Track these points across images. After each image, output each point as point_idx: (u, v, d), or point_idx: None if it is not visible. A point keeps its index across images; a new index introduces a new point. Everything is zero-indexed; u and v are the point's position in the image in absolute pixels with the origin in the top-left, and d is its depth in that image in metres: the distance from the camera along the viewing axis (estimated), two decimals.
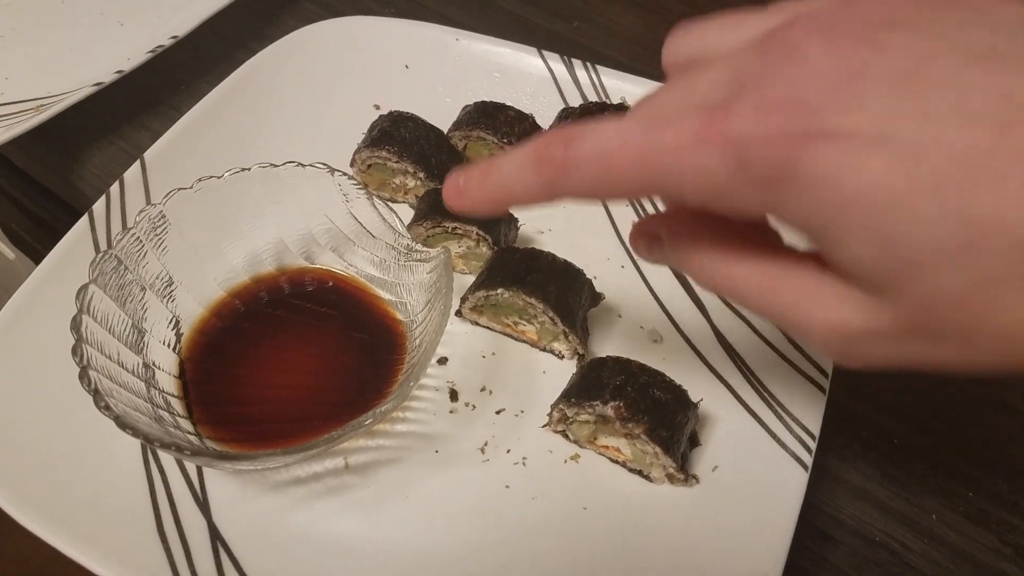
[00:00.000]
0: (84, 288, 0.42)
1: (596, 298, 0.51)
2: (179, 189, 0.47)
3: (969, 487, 0.46)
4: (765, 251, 0.30)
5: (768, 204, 0.27)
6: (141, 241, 0.46)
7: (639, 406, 0.43)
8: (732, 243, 0.31)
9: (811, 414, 0.45)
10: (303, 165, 0.48)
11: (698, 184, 0.27)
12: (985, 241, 0.23)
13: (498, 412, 0.47)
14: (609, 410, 0.43)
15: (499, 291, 0.48)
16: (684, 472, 0.43)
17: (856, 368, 0.29)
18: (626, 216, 0.57)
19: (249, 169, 0.48)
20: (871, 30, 0.25)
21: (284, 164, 0.48)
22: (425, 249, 0.47)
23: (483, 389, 0.48)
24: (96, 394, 0.38)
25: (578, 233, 0.56)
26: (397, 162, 0.54)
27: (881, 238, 0.25)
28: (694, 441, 0.45)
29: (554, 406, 0.45)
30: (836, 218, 0.25)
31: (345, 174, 0.48)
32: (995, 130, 0.23)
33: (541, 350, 0.50)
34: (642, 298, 0.53)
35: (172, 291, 0.48)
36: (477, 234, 0.51)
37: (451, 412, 0.47)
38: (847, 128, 0.24)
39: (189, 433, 0.43)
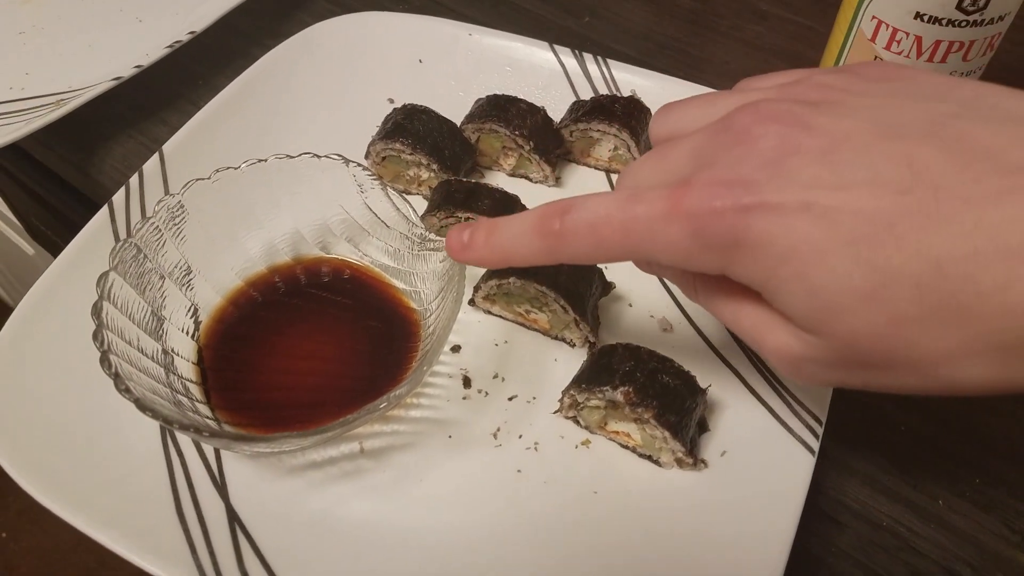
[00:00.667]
0: (105, 275, 0.43)
1: (606, 287, 0.51)
2: (197, 180, 0.48)
3: (976, 474, 0.47)
4: (733, 288, 0.35)
5: (723, 265, 0.33)
6: (160, 230, 0.47)
7: (648, 391, 0.43)
8: (709, 280, 0.37)
9: (818, 400, 0.45)
10: (319, 156, 0.49)
11: (668, 252, 0.33)
12: (889, 286, 0.28)
13: (510, 398, 0.48)
14: (619, 395, 0.44)
15: (511, 280, 0.48)
16: (693, 456, 0.44)
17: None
18: None
19: (266, 160, 0.49)
20: (804, 114, 0.31)
21: (300, 155, 0.49)
22: (438, 238, 0.48)
23: (496, 376, 0.49)
24: (116, 377, 0.39)
25: None
26: (411, 154, 0.55)
27: (807, 287, 0.30)
28: (703, 427, 0.46)
29: (565, 392, 0.46)
30: (773, 273, 0.31)
31: (360, 165, 0.49)
32: (896, 194, 0.28)
33: (552, 338, 0.51)
34: (651, 288, 0.53)
35: (190, 279, 0.48)
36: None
37: (464, 398, 0.48)
38: (779, 199, 0.30)
39: (207, 418, 0.44)
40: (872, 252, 0.28)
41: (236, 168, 0.48)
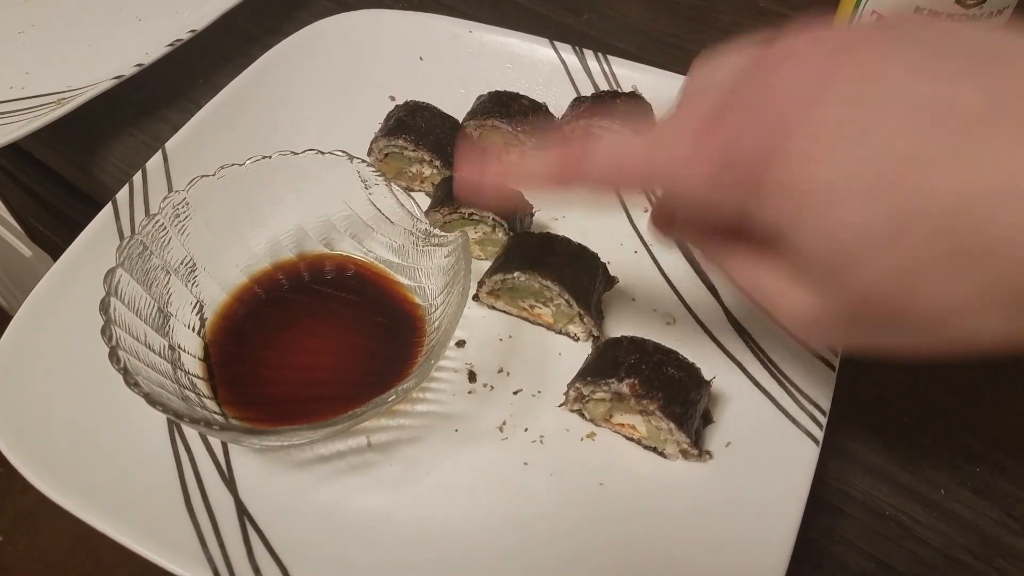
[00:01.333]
0: (112, 271, 0.43)
1: (610, 281, 0.52)
2: (202, 176, 0.48)
3: (976, 463, 0.47)
4: (749, 244, 0.35)
5: (743, 205, 0.32)
6: (165, 227, 0.47)
7: (653, 383, 0.44)
8: (727, 237, 0.36)
9: (821, 390, 0.46)
10: (323, 153, 0.49)
11: (690, 185, 0.33)
12: (909, 229, 0.27)
13: (515, 392, 0.48)
14: (624, 387, 0.44)
15: (515, 274, 0.49)
16: (698, 448, 0.44)
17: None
18: (637, 202, 0.58)
19: (270, 157, 0.49)
20: (836, 54, 0.30)
21: (304, 152, 0.49)
22: (443, 234, 0.48)
23: (500, 371, 0.49)
24: (125, 372, 0.39)
25: (592, 220, 0.57)
26: (414, 151, 0.55)
27: (825, 230, 0.30)
28: (707, 418, 0.46)
29: (570, 385, 0.46)
30: (793, 216, 0.31)
31: (364, 161, 0.49)
32: (922, 134, 0.27)
33: (557, 333, 0.51)
34: (655, 282, 0.54)
35: (195, 276, 0.49)
36: (493, 220, 0.52)
37: (470, 392, 0.48)
38: (806, 140, 0.29)
39: (215, 413, 0.44)
40: (893, 194, 0.27)
41: (241, 165, 0.48)
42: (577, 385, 0.46)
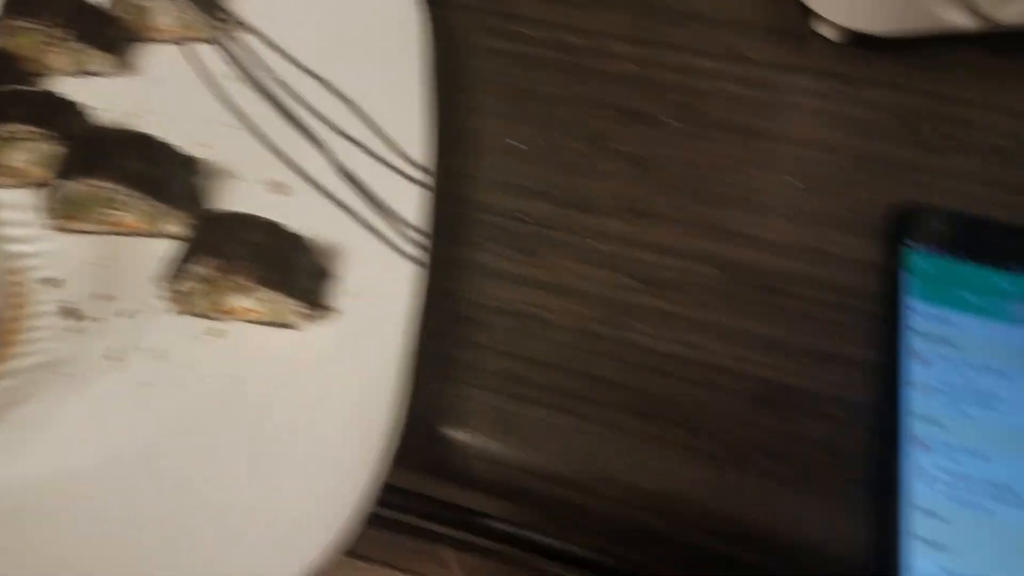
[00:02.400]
0: None
1: (193, 163, 0.48)
2: None
3: (592, 236, 0.49)
4: None
5: None
6: None
7: (236, 254, 0.41)
8: None
9: (420, 213, 0.45)
10: None
11: None
12: None
13: (122, 314, 0.44)
14: (207, 268, 0.41)
15: (69, 185, 0.44)
16: (314, 307, 0.43)
17: None
18: (223, 73, 0.54)
19: None
20: None
21: None
22: None
23: (106, 297, 0.45)
24: None
25: (176, 106, 0.52)
26: None
27: None
28: (324, 274, 0.45)
29: (161, 286, 0.43)
30: None
31: None
32: None
33: (156, 237, 0.47)
34: (255, 152, 0.50)
35: None
36: (31, 132, 0.45)
37: (72, 331, 0.43)
38: None
39: None
40: None
41: None
42: (165, 284, 0.42)
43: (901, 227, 0.47)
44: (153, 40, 0.55)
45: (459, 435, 0.42)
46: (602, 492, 0.41)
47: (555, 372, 0.44)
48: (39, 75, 0.52)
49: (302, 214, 0.45)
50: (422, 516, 0.43)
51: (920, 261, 0.45)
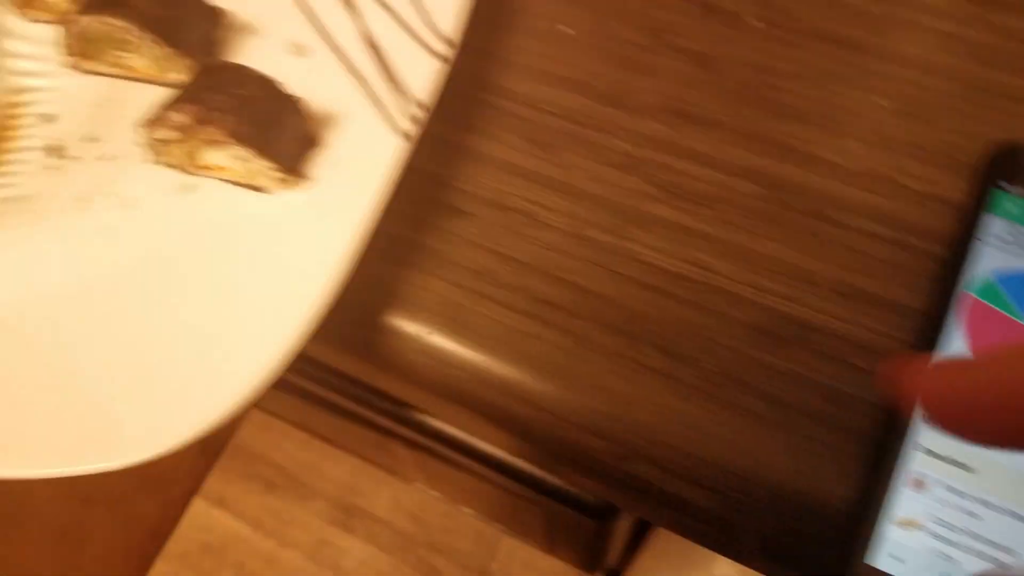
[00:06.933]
0: None
1: (216, 14, 0.45)
2: None
3: (624, 138, 0.42)
4: None
5: None
6: None
7: (219, 106, 0.38)
8: None
9: (426, 85, 0.40)
10: None
11: None
12: None
13: (103, 158, 0.42)
14: (185, 116, 0.38)
15: (84, 20, 0.42)
16: (290, 172, 0.39)
17: None
18: None
19: None
20: None
21: None
22: None
23: (92, 139, 0.43)
24: None
25: None
26: None
27: None
28: (312, 141, 0.41)
29: (139, 131, 0.40)
30: None
31: None
32: None
33: (163, 86, 0.45)
34: (287, 10, 0.47)
35: None
36: None
37: (51, 169, 0.42)
38: None
39: None
40: None
41: None
42: (143, 127, 0.40)
43: (998, 166, 0.37)
44: None
45: (410, 326, 0.37)
46: (552, 410, 0.35)
47: (531, 274, 0.38)
48: None
49: (313, 78, 0.42)
50: (360, 403, 0.39)
51: (1010, 206, 0.35)
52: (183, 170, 0.41)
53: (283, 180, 0.40)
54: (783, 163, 0.41)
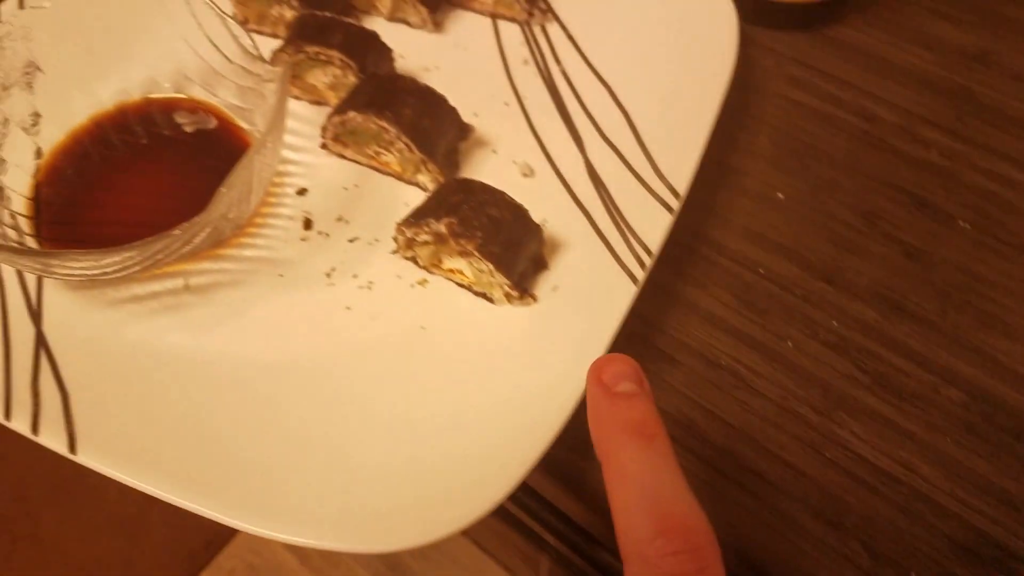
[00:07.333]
0: None
1: (465, 129, 0.49)
2: (33, 7, 0.46)
3: (834, 316, 0.44)
4: None
5: None
6: None
7: (472, 223, 0.41)
8: None
9: (655, 233, 0.43)
10: None
11: None
12: None
13: (351, 240, 0.46)
14: (442, 227, 0.42)
15: (351, 115, 0.46)
16: (520, 290, 0.42)
17: None
18: (517, 54, 0.55)
19: None
20: None
21: None
22: (273, 70, 0.46)
23: (340, 219, 0.47)
24: None
25: (465, 71, 0.54)
26: None
27: None
28: (540, 264, 0.44)
29: (397, 228, 0.44)
30: None
31: None
32: None
33: (407, 183, 0.49)
34: (521, 135, 0.51)
35: (36, 120, 0.47)
36: (341, 60, 0.49)
37: (302, 240, 0.46)
38: None
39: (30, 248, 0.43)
40: None
41: None
42: (402, 227, 0.43)
43: None
44: (469, 9, 0.57)
45: None
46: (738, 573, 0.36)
47: (739, 440, 0.40)
48: (363, 12, 0.57)
49: (540, 200, 0.45)
50: (537, 519, 0.41)
51: None
52: (423, 267, 0.45)
53: (513, 296, 0.42)
54: (989, 376, 0.42)
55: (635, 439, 0.29)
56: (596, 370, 0.32)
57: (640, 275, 0.41)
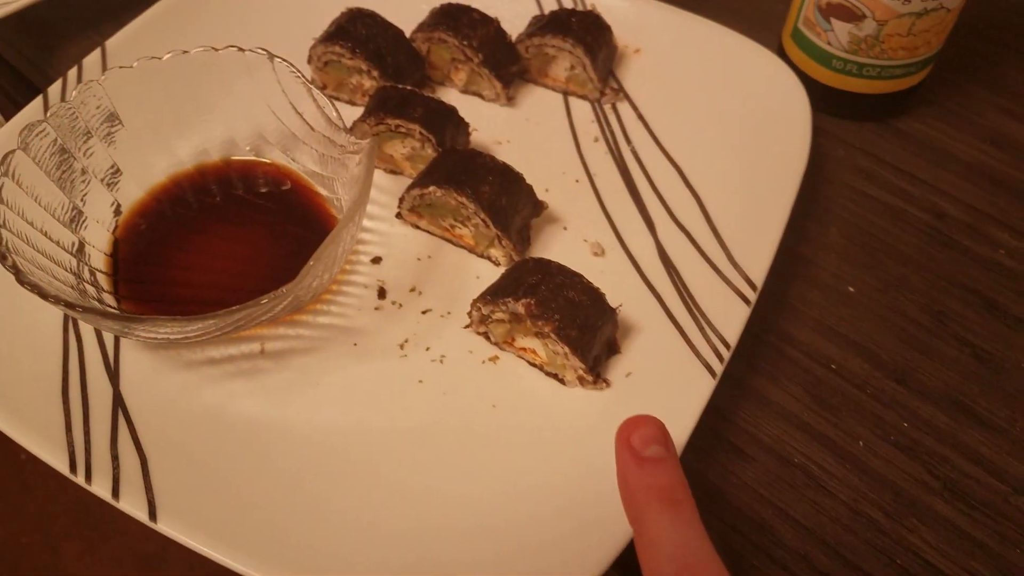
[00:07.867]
0: (10, 154, 0.42)
1: (538, 206, 0.49)
2: (120, 67, 0.47)
3: (905, 417, 0.44)
4: None
5: None
6: (76, 116, 0.46)
7: (550, 305, 0.42)
8: None
9: (731, 325, 0.43)
10: (242, 50, 0.47)
11: None
12: None
13: (424, 312, 0.46)
14: (520, 307, 0.42)
15: (431, 189, 0.47)
16: (594, 374, 0.42)
17: None
18: (588, 131, 0.56)
19: (189, 52, 0.47)
20: None
21: (224, 48, 0.48)
22: (357, 141, 0.46)
23: (413, 289, 0.47)
24: (6, 253, 0.39)
25: (537, 146, 0.55)
26: (351, 59, 0.53)
27: None
28: (613, 348, 0.44)
29: (473, 304, 0.44)
30: None
31: (285, 62, 0.47)
32: None
33: (478, 256, 0.49)
34: (591, 213, 0.51)
35: (115, 175, 0.48)
36: (420, 134, 0.50)
37: (376, 309, 0.46)
38: None
39: (109, 307, 0.44)
40: None
41: (159, 59, 0.47)
42: (478, 304, 0.44)
43: None
44: (541, 84, 0.58)
45: None
46: None
47: (812, 542, 0.39)
48: (438, 84, 0.58)
49: (612, 281, 0.45)
50: None
51: None
52: (496, 344, 0.45)
53: (587, 380, 0.43)
54: None
55: (663, 506, 0.31)
56: (625, 432, 0.34)
57: (718, 368, 0.41)
